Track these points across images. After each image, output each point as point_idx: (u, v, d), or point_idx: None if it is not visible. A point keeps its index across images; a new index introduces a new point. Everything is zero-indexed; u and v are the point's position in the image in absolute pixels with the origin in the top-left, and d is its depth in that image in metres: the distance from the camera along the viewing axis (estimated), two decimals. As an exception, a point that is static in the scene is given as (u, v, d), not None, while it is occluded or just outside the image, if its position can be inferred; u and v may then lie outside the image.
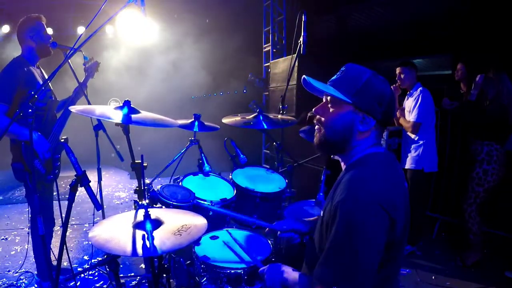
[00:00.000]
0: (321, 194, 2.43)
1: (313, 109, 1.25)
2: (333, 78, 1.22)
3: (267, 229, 1.67)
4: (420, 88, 3.29)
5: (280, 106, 3.13)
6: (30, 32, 2.40)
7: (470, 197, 3.09)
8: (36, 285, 2.65)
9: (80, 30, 6.57)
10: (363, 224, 1.00)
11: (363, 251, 1.00)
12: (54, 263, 2.68)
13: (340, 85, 1.17)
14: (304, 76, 1.19)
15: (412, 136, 3.32)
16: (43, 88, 2.33)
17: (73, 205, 1.52)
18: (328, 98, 1.21)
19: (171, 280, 1.93)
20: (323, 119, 1.21)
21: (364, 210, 1.01)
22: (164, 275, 1.70)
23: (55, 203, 3.18)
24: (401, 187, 1.15)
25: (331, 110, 1.19)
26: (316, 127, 1.25)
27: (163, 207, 2.08)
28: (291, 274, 1.28)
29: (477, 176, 3.06)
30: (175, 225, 1.45)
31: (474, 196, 3.07)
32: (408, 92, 3.41)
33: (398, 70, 3.40)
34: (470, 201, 3.09)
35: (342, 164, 1.27)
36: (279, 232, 1.60)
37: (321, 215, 1.22)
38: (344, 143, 1.19)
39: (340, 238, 1.02)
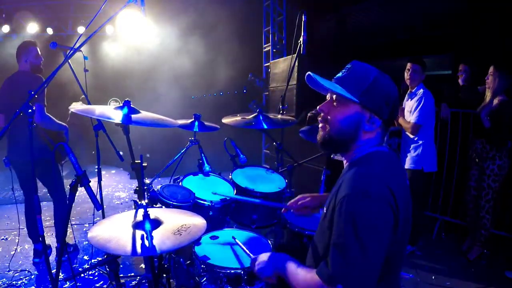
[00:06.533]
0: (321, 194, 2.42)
1: (318, 107, 1.22)
2: (338, 75, 1.20)
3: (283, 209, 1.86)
4: (423, 90, 3.22)
5: (280, 106, 3.13)
6: (24, 57, 2.87)
7: (488, 193, 3.14)
8: (35, 285, 2.66)
9: (80, 30, 6.57)
10: (370, 219, 0.99)
11: (371, 248, 0.98)
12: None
13: (346, 83, 1.15)
14: (309, 72, 1.15)
15: (412, 136, 3.30)
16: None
17: (73, 205, 1.52)
18: (334, 96, 1.19)
19: (171, 280, 1.93)
20: (328, 117, 1.19)
21: (371, 206, 1.00)
22: (164, 275, 1.70)
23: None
24: (404, 185, 1.15)
25: (337, 108, 1.17)
26: (320, 125, 1.22)
27: (163, 207, 2.08)
28: (291, 264, 1.23)
29: (492, 173, 3.10)
30: (175, 225, 1.44)
31: (492, 192, 3.13)
32: (409, 92, 3.34)
33: (409, 65, 3.27)
34: (488, 197, 3.14)
35: (345, 162, 1.26)
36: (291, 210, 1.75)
37: (324, 212, 1.21)
38: (349, 142, 1.18)
39: (347, 234, 1.00)
